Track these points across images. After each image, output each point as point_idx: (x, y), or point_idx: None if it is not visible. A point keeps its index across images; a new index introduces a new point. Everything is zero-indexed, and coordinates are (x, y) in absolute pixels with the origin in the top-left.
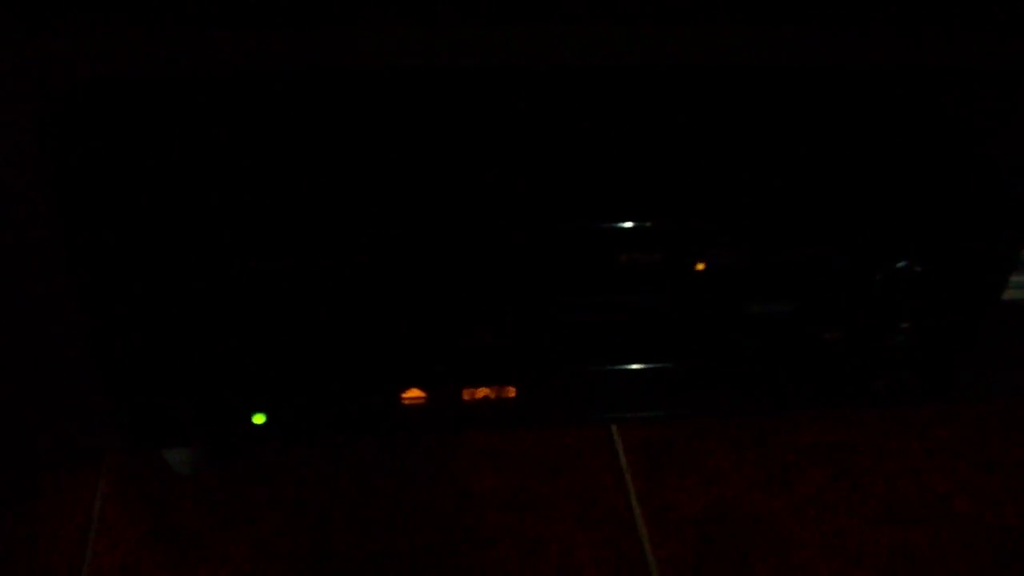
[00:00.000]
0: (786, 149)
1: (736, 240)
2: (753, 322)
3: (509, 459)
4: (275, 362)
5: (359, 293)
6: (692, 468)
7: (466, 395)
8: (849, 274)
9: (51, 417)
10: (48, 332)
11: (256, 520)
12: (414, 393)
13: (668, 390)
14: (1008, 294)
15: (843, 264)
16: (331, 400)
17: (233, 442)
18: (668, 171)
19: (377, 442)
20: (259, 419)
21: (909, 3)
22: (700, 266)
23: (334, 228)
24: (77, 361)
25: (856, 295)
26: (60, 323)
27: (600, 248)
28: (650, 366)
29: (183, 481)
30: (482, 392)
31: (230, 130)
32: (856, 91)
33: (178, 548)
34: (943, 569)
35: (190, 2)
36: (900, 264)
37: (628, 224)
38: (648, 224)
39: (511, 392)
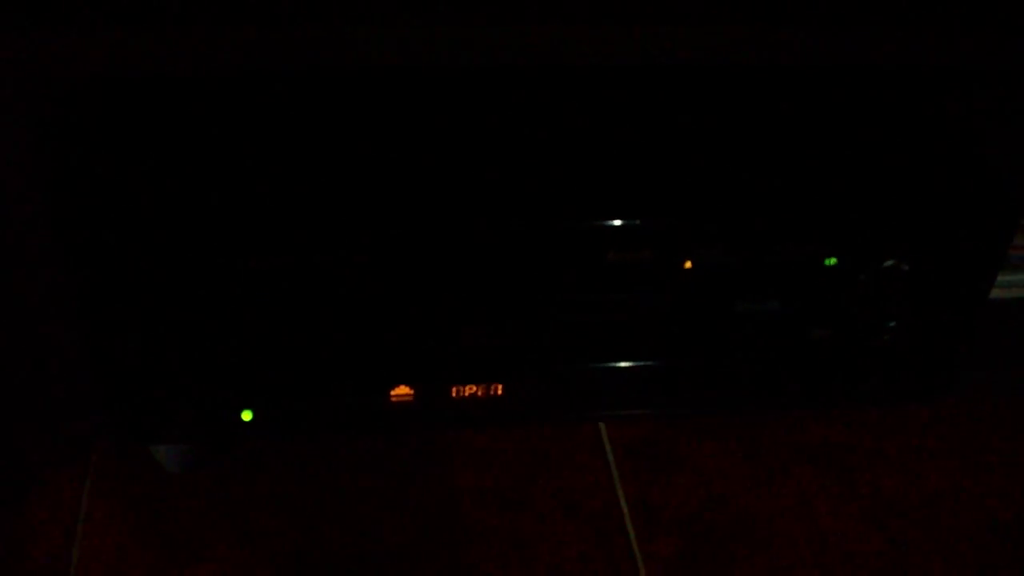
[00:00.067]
0: (774, 148)
1: (724, 238)
2: (741, 320)
3: (497, 457)
4: (264, 359)
5: (348, 291)
6: (681, 466)
7: (454, 393)
8: (837, 273)
9: (38, 414)
10: (37, 329)
11: (245, 517)
12: (402, 391)
13: (656, 388)
14: (996, 293)
15: (832, 262)
16: (319, 397)
17: (222, 439)
18: (657, 169)
19: (366, 439)
20: (247, 416)
21: (898, 2)
22: (688, 264)
23: (324, 227)
24: (65, 357)
25: (844, 294)
26: (49, 320)
27: (588, 246)
28: (638, 364)
29: (171, 478)
30: (470, 390)
31: (221, 128)
32: (844, 91)
33: (166, 546)
34: (934, 569)
35: (189, 2)
36: (888, 263)
37: (617, 222)
38: (637, 222)
39: (499, 390)
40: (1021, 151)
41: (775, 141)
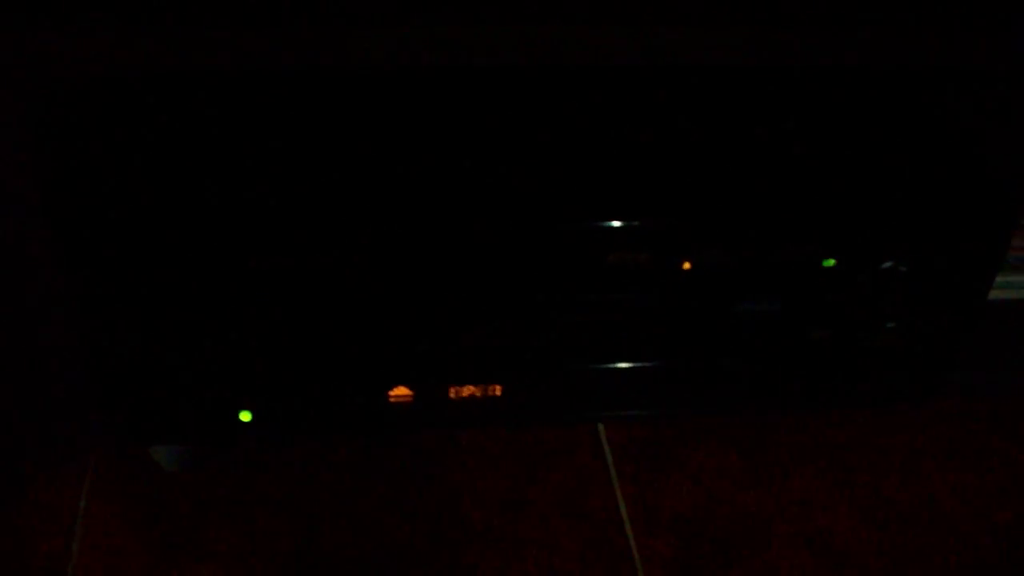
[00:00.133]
0: (773, 149)
1: (723, 240)
2: (740, 321)
3: (495, 457)
4: (262, 360)
5: (347, 291)
6: (679, 467)
7: (452, 393)
8: (836, 274)
9: (37, 414)
10: (36, 329)
11: (243, 517)
12: (400, 391)
13: (655, 389)
14: (995, 294)
15: (830, 263)
16: (318, 398)
17: (220, 440)
18: (656, 170)
19: (364, 440)
20: (246, 417)
21: (895, 3)
22: (687, 265)
23: (323, 227)
24: (64, 358)
25: (843, 295)
26: (48, 321)
27: (588, 247)
28: (637, 365)
29: (170, 478)
30: (468, 390)
31: (220, 128)
32: (841, 92)
33: (165, 546)
34: (930, 570)
35: (188, 2)
36: (886, 264)
37: (616, 223)
38: (636, 223)
39: (497, 391)
40: (1019, 152)
41: (774, 142)
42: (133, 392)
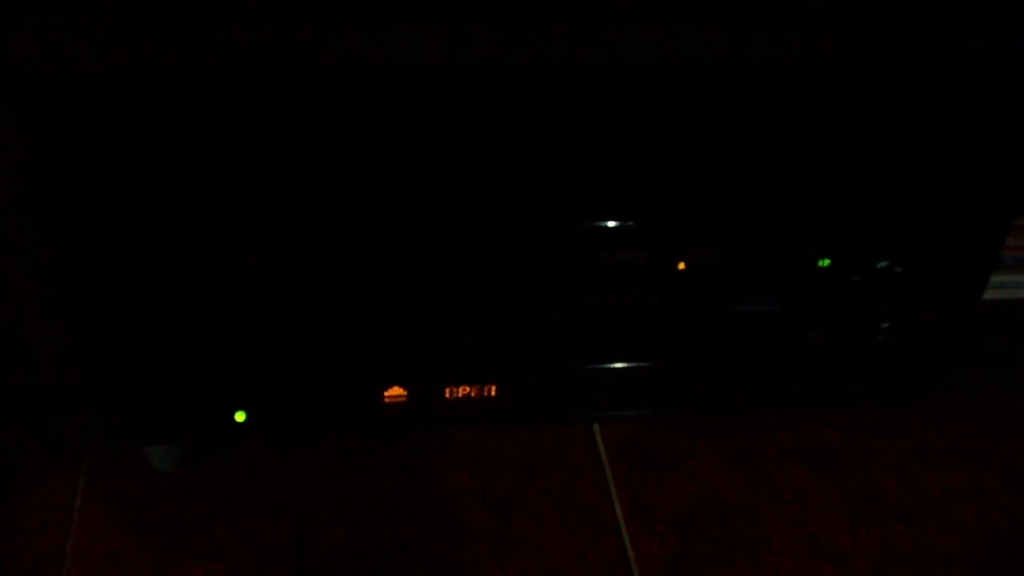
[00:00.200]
0: (767, 149)
1: (718, 239)
2: (735, 321)
3: (490, 457)
4: (256, 360)
5: (341, 291)
6: (674, 467)
7: (448, 394)
8: (831, 274)
9: (30, 415)
10: (30, 329)
11: (237, 517)
12: (395, 391)
13: (650, 389)
14: (990, 294)
15: (825, 263)
16: (312, 398)
17: (215, 440)
18: (651, 170)
19: (359, 440)
20: (240, 416)
21: (890, 5)
22: (682, 265)
23: (318, 227)
24: (59, 357)
25: (838, 295)
26: (41, 319)
27: (582, 247)
28: (632, 365)
29: (164, 478)
30: (464, 391)
31: (215, 127)
32: (837, 92)
33: (159, 545)
34: (926, 569)
35: (185, 2)
36: (881, 264)
37: (610, 223)
38: (630, 223)
39: (493, 391)
40: (1014, 152)
41: (769, 143)
42: (127, 392)
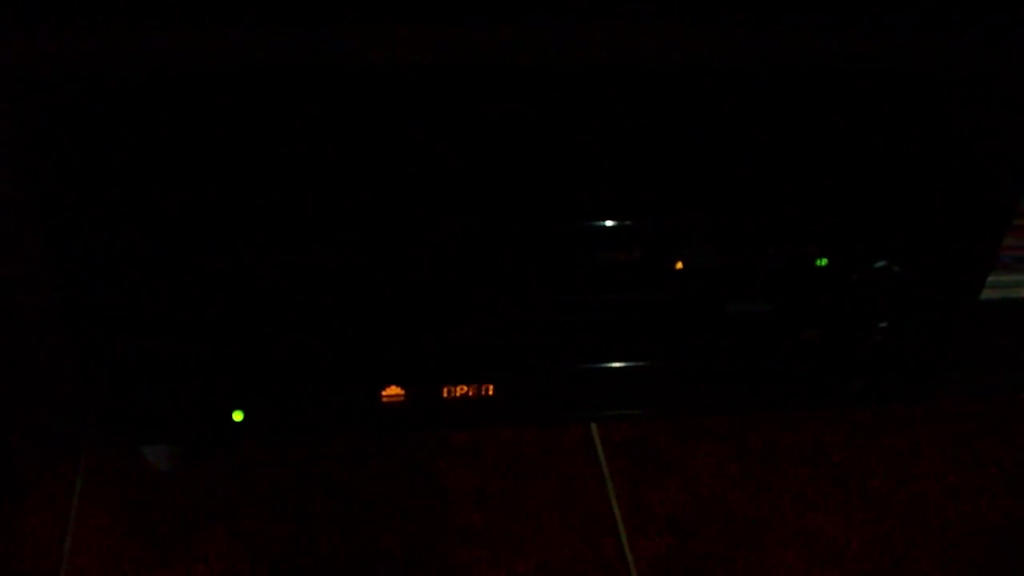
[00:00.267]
0: (765, 149)
1: (715, 239)
2: (732, 321)
3: (488, 457)
4: (254, 359)
5: (339, 291)
6: (672, 467)
7: (445, 393)
8: (829, 273)
9: (28, 413)
10: (26, 328)
11: (235, 517)
12: (393, 391)
13: (648, 389)
14: (987, 293)
15: (823, 263)
16: (310, 398)
17: (212, 439)
18: (648, 170)
19: (357, 440)
20: (238, 416)
21: (887, 6)
22: (679, 265)
23: (315, 227)
24: (55, 357)
25: (835, 294)
26: (38, 320)
27: (580, 246)
28: (630, 365)
29: (161, 478)
30: (461, 390)
31: (212, 128)
32: (834, 92)
33: (157, 545)
34: (923, 568)
35: (182, 2)
36: (879, 264)
37: (608, 223)
38: (628, 223)
39: (490, 390)
40: (1011, 152)
41: (766, 142)
42: (125, 391)
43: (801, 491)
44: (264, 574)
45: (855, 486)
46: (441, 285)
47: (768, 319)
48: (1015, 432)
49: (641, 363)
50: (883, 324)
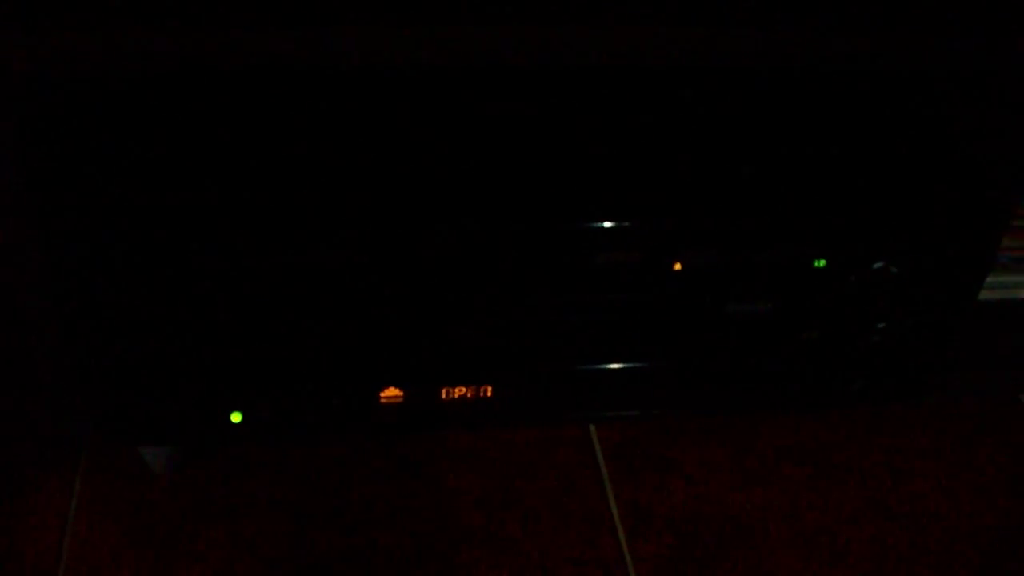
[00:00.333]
0: (763, 150)
1: (714, 240)
2: (731, 322)
3: (486, 458)
4: (253, 361)
5: (337, 292)
6: (670, 467)
7: (444, 395)
8: (827, 274)
9: (26, 416)
10: (25, 331)
11: (234, 518)
12: (391, 392)
13: (646, 390)
14: (985, 294)
15: (821, 264)
16: (309, 399)
17: (210, 441)
18: (647, 171)
19: (355, 441)
20: (236, 418)
21: (884, 7)
22: (678, 266)
23: (314, 228)
24: (54, 359)
25: (833, 296)
26: (37, 322)
27: (578, 248)
28: (628, 366)
29: (160, 479)
30: (460, 391)
31: (211, 128)
32: (833, 94)
33: (155, 547)
34: (921, 569)
35: (184, 2)
36: (877, 265)
37: (606, 224)
38: (626, 224)
39: (489, 391)
40: (1009, 153)
41: (765, 143)
42: (123, 393)
43: (799, 491)
44: (263, 574)
45: (854, 486)
46: (439, 286)
47: (767, 320)
48: (1015, 432)
49: (639, 364)
50: (881, 325)
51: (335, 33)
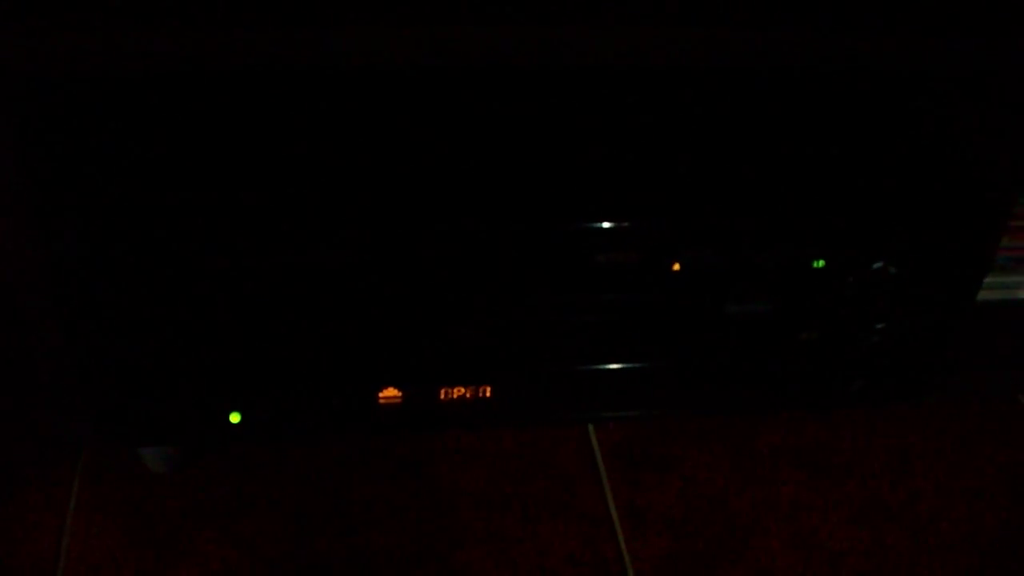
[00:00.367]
0: (762, 151)
1: (713, 241)
2: (730, 322)
3: (485, 459)
4: (252, 361)
5: (336, 292)
6: (668, 468)
7: (443, 395)
8: (826, 275)
9: (26, 416)
10: (25, 331)
11: (232, 519)
12: (390, 393)
13: (645, 390)
14: (984, 294)
15: (820, 265)
16: (308, 400)
17: (210, 441)
18: (646, 172)
19: (354, 441)
20: (235, 418)
21: (884, 7)
22: (676, 266)
23: (312, 228)
24: (54, 359)
25: (833, 296)
26: (37, 322)
27: (577, 248)
28: (627, 366)
29: (159, 480)
30: (459, 392)
31: (210, 128)
32: (832, 95)
33: (154, 547)
34: (921, 569)
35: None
36: (876, 265)
37: (606, 224)
38: (625, 224)
39: (487, 392)
40: (1006, 154)
41: (764, 144)
42: (123, 393)
43: (797, 492)
44: (263, 574)
45: (852, 486)
46: (438, 286)
47: (766, 320)
48: (1015, 432)
49: (638, 364)
50: (881, 325)
51: (335, 33)
